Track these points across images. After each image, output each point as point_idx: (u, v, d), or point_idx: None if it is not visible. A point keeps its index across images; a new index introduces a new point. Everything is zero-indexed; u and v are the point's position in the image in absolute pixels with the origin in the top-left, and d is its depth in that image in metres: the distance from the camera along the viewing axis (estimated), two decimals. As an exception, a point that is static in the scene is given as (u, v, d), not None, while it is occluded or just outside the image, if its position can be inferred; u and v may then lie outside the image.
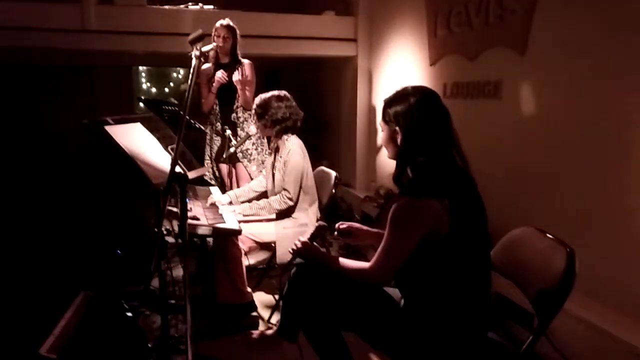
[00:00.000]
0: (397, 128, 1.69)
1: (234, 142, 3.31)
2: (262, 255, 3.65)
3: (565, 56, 2.65)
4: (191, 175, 2.33)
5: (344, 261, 1.83)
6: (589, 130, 2.52)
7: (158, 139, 2.35)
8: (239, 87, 3.74)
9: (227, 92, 3.81)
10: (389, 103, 1.75)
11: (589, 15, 2.49)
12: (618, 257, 2.36)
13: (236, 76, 3.75)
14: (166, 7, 4.58)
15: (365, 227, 2.11)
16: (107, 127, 2.09)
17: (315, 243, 2.02)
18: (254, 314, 2.96)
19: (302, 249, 1.96)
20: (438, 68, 3.85)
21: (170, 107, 3.39)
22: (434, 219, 1.56)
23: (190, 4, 4.66)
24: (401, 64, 4.41)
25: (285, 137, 3.00)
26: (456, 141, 1.71)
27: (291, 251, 1.99)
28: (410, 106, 1.66)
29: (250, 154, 3.78)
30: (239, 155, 3.74)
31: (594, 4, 2.46)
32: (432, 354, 1.68)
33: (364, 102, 5.07)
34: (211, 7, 4.68)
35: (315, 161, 3.17)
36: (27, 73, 6.64)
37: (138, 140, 2.21)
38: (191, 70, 1.86)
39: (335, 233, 2.12)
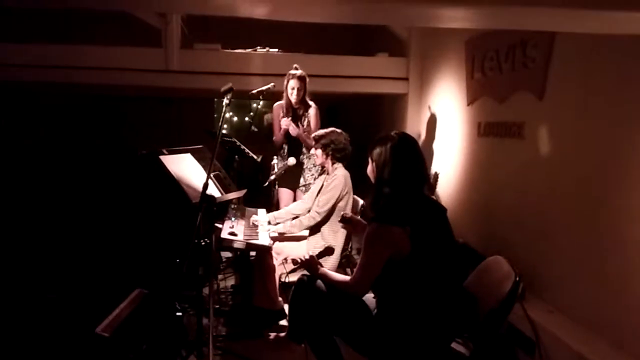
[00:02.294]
0: (373, 164, 2.05)
1: (276, 170, 3.78)
2: (300, 274, 4.04)
3: (578, 101, 2.84)
4: (227, 196, 2.82)
5: (334, 275, 2.20)
6: (598, 173, 2.67)
7: (204, 166, 2.86)
8: (300, 138, 4.04)
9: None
10: (373, 143, 2.11)
11: (602, 64, 2.67)
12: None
13: (301, 122, 4.06)
14: (238, 50, 5.22)
15: (363, 221, 2.48)
16: (161, 157, 2.62)
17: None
18: (283, 322, 3.35)
19: (307, 262, 2.34)
20: (474, 108, 4.10)
21: (228, 139, 3.94)
22: (396, 243, 1.89)
23: (258, 47, 5.27)
24: (445, 102, 4.69)
25: (335, 165, 3.41)
26: (428, 179, 2.03)
27: (299, 260, 2.39)
28: (385, 149, 2.02)
29: (310, 186, 4.20)
30: (302, 188, 4.15)
31: (608, 53, 2.63)
32: (398, 358, 1.97)
33: (414, 136, 5.36)
34: (276, 50, 5.26)
35: (363, 191, 3.48)
36: (122, 103, 7.72)
37: (185, 167, 2.72)
38: (222, 114, 2.34)
39: (339, 220, 2.49)
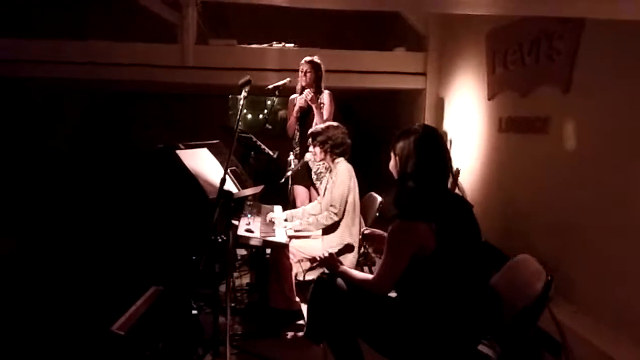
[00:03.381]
0: (397, 158, 1.97)
1: (292, 166, 3.72)
2: (317, 273, 3.98)
3: (606, 94, 2.74)
4: (244, 192, 2.76)
5: (355, 273, 2.13)
6: (627, 169, 2.57)
7: (220, 162, 2.81)
8: (315, 111, 4.04)
9: (307, 119, 4.17)
10: (396, 137, 2.03)
11: (634, 55, 2.57)
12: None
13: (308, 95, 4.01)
14: (254, 46, 5.17)
15: (382, 233, 2.39)
16: (177, 151, 2.58)
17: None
18: (301, 322, 3.29)
19: (326, 260, 2.28)
20: (495, 103, 4.00)
21: (245, 135, 3.88)
22: (421, 240, 1.81)
23: (274, 43, 5.22)
24: (464, 98, 4.59)
25: (337, 160, 3.34)
26: (454, 175, 1.95)
27: (318, 258, 2.32)
28: (409, 142, 1.94)
29: (324, 177, 4.13)
30: (314, 177, 4.11)
31: (635, 45, 2.54)
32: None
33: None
34: (292, 45, 5.20)
35: (380, 188, 3.41)
36: (139, 100, 7.71)
37: (202, 162, 2.67)
38: (240, 106, 2.28)
39: (360, 236, 2.41)
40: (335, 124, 3.38)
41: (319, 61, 4.08)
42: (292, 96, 4.22)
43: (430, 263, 1.83)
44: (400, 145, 1.98)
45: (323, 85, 4.14)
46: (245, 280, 4.06)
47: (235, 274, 4.09)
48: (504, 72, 3.84)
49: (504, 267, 2.09)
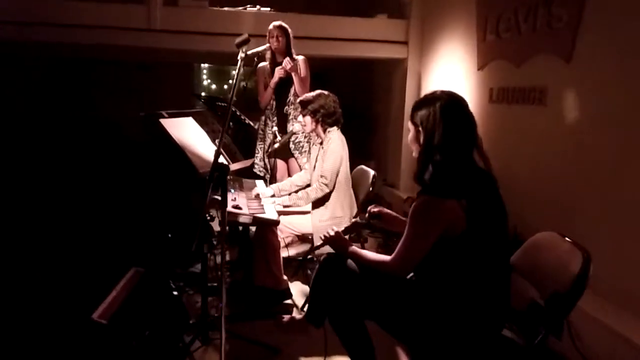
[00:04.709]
0: (420, 129, 1.79)
1: (278, 138, 3.49)
2: (302, 248, 3.81)
3: (612, 65, 2.63)
4: (234, 166, 2.52)
5: (367, 253, 1.95)
6: (632, 144, 2.49)
7: (207, 132, 2.56)
8: (295, 78, 3.87)
9: (283, 88, 3.98)
10: (417, 105, 1.84)
11: (637, 24, 2.46)
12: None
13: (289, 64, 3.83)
14: (226, 9, 4.82)
15: (394, 214, 2.22)
16: (161, 120, 2.31)
17: (349, 237, 2.16)
18: (289, 301, 3.12)
19: (332, 238, 2.09)
20: (485, 73, 3.86)
21: (223, 104, 3.62)
22: (450, 218, 1.65)
23: (248, 6, 4.88)
24: (450, 68, 4.44)
25: (329, 129, 3.15)
26: (479, 144, 1.79)
27: (322, 238, 2.14)
28: (433, 110, 1.75)
29: (302, 146, 3.94)
30: (291, 147, 3.91)
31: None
32: (446, 346, 1.76)
33: (412, 104, 5.12)
34: (268, 9, 4.89)
35: (362, 160, 3.27)
36: (98, 67, 7.18)
37: (188, 133, 2.42)
38: (236, 69, 2.03)
39: (367, 216, 2.24)
40: (325, 92, 3.18)
41: (286, 26, 3.90)
42: (261, 64, 4.01)
43: (458, 244, 1.68)
44: (422, 114, 1.79)
45: (294, 51, 3.94)
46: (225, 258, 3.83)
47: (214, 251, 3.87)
48: (496, 40, 3.69)
49: (525, 245, 1.96)
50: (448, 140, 1.73)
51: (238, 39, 2.07)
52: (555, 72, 3.05)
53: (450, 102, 1.78)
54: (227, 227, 3.90)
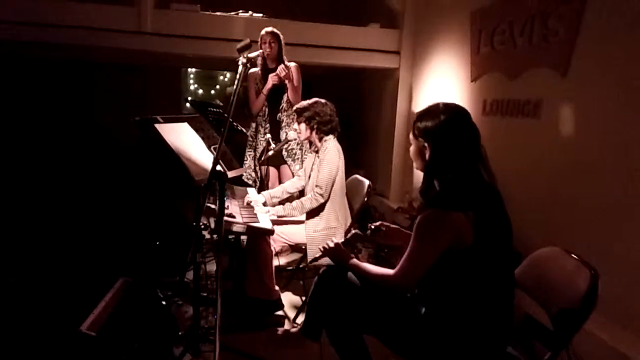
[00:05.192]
0: (425, 144, 1.75)
1: (272, 145, 3.44)
2: (293, 257, 3.76)
3: (608, 79, 2.64)
4: (231, 174, 2.46)
5: (369, 266, 1.90)
6: (628, 155, 2.50)
7: (202, 138, 2.49)
8: (289, 85, 3.86)
9: (275, 95, 3.94)
10: (419, 118, 1.81)
11: (634, 40, 2.48)
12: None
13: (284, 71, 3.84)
14: (218, 13, 4.77)
15: (395, 227, 2.19)
16: (156, 125, 2.24)
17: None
18: (280, 312, 3.05)
19: (332, 250, 2.05)
20: (479, 85, 3.87)
21: (215, 109, 3.55)
22: (457, 231, 1.61)
23: (240, 11, 4.83)
24: (442, 79, 4.44)
25: (325, 138, 3.11)
26: (483, 157, 1.76)
27: (321, 249, 2.09)
28: (439, 123, 1.72)
29: (295, 154, 3.89)
30: (284, 154, 3.87)
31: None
32: (449, 362, 1.72)
33: (403, 114, 5.12)
34: (260, 15, 4.84)
35: (352, 169, 3.23)
36: (85, 69, 7.03)
37: (184, 139, 2.35)
38: (237, 75, 1.98)
39: (368, 232, 2.19)
40: (322, 100, 3.14)
41: (278, 32, 3.91)
42: (252, 70, 3.99)
43: (464, 258, 1.65)
44: (427, 127, 1.75)
45: (285, 57, 3.93)
46: (214, 266, 3.75)
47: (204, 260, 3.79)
48: (490, 52, 3.70)
49: (528, 260, 1.94)
50: (456, 153, 1.70)
51: (240, 44, 2.02)
52: (550, 85, 3.05)
53: (456, 115, 1.75)
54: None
